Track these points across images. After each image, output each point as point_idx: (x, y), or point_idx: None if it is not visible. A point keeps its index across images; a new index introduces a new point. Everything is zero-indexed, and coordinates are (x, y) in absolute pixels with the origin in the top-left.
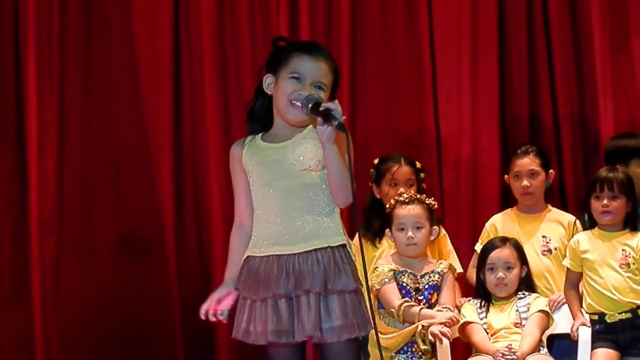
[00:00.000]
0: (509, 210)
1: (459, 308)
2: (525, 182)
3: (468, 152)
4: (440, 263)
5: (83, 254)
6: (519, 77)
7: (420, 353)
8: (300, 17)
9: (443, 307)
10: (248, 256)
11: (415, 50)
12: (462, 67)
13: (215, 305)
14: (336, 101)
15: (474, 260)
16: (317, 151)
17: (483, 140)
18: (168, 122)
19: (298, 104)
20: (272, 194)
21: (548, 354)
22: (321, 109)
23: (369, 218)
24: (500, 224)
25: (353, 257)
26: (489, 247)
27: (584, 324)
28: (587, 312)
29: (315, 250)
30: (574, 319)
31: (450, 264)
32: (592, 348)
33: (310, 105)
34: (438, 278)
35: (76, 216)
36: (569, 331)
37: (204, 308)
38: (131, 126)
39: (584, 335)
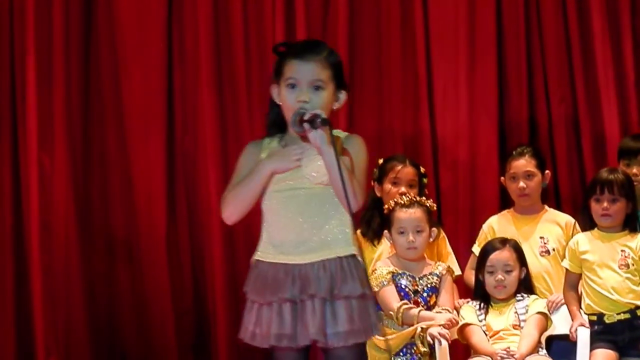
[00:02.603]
0: (505, 211)
1: (457, 310)
2: (521, 184)
3: (466, 153)
4: (439, 265)
5: (79, 256)
6: (517, 78)
7: (419, 355)
8: (296, 20)
9: (442, 309)
10: (257, 260)
11: (410, 51)
12: (459, 68)
13: None
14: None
15: (471, 262)
16: None
17: (481, 142)
18: (160, 124)
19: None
20: (283, 203)
21: (547, 355)
22: (306, 117)
23: (369, 217)
24: (497, 225)
25: (363, 266)
26: (488, 249)
27: (582, 325)
28: (585, 313)
29: (323, 260)
30: (572, 319)
31: (449, 266)
32: (591, 349)
33: (297, 120)
34: (436, 280)
35: (73, 219)
36: (567, 332)
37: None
38: (121, 128)
39: (583, 336)
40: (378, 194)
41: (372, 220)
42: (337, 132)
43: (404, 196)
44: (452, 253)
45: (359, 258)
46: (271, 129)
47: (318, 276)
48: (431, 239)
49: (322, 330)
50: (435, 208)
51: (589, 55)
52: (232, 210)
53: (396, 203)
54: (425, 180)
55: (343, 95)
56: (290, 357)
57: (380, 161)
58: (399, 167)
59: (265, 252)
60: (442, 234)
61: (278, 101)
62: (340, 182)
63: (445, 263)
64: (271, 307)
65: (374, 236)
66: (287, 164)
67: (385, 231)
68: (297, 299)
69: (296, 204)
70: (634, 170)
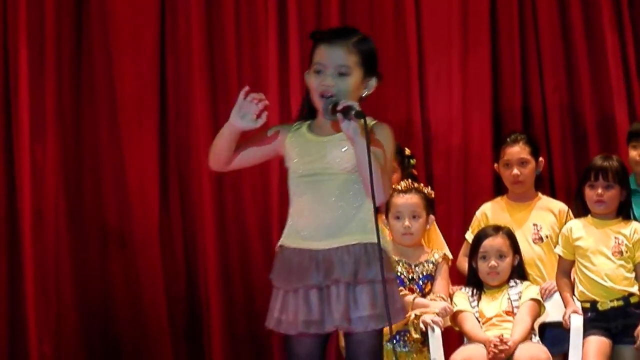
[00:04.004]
0: (499, 198)
1: (451, 297)
2: (515, 171)
3: (459, 140)
4: (435, 252)
5: (71, 244)
6: (511, 65)
7: (412, 342)
8: (288, 6)
9: (437, 296)
10: (282, 245)
11: (402, 39)
12: (452, 54)
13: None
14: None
15: (464, 249)
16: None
17: (474, 129)
18: (153, 112)
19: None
20: (307, 188)
21: (540, 342)
22: (339, 107)
23: None
24: (490, 212)
25: (389, 252)
26: (481, 236)
27: (575, 312)
28: (578, 300)
29: (347, 245)
30: (565, 306)
31: (445, 254)
32: (584, 336)
33: (330, 109)
34: (432, 268)
35: (64, 207)
36: (560, 319)
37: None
38: (114, 116)
39: (576, 323)
40: None
41: None
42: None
43: (402, 182)
44: (441, 236)
45: (382, 246)
46: (306, 114)
47: (342, 261)
48: (428, 226)
49: (346, 316)
50: (433, 196)
51: (593, 44)
52: (211, 162)
53: (394, 189)
54: (412, 161)
55: (373, 82)
56: (306, 343)
57: None
58: None
59: (289, 238)
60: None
61: (309, 86)
62: (369, 175)
63: (441, 250)
64: (297, 294)
65: None
66: (246, 123)
67: (383, 217)
68: (322, 284)
69: (320, 189)
70: None
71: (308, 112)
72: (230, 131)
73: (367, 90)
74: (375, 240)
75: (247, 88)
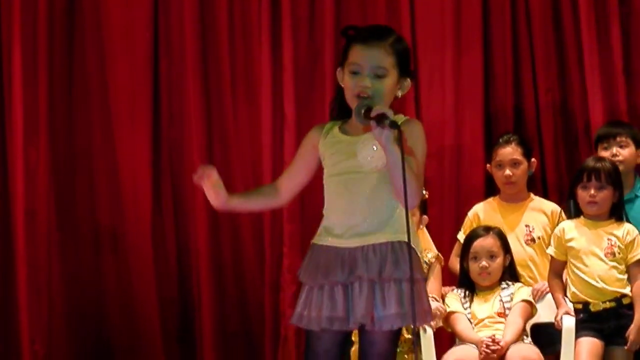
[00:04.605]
0: (491, 199)
1: (443, 297)
2: (507, 172)
3: (451, 140)
4: (428, 253)
5: (64, 245)
6: (503, 66)
7: (403, 342)
8: (282, 9)
9: (429, 297)
10: (313, 244)
11: None
12: (445, 55)
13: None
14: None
15: (456, 249)
16: None
17: (467, 129)
18: (146, 113)
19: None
20: (338, 186)
21: (532, 343)
22: (372, 114)
23: None
24: (482, 213)
25: (419, 253)
26: (472, 236)
27: (567, 313)
28: (571, 301)
29: (374, 244)
30: (557, 307)
31: (438, 254)
32: (576, 337)
33: (362, 112)
34: (425, 268)
35: (57, 209)
36: (552, 320)
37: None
38: (107, 118)
39: (568, 324)
40: None
41: None
42: (396, 117)
43: None
44: (429, 238)
45: (413, 245)
46: (338, 112)
47: (367, 258)
48: (421, 226)
49: (369, 313)
50: (427, 196)
51: (579, 45)
52: None
53: None
54: None
55: (407, 83)
56: (326, 339)
57: None
58: None
59: (320, 236)
60: None
61: (342, 84)
62: (400, 180)
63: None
64: (322, 290)
65: None
66: (223, 195)
67: None
68: (346, 281)
69: (351, 188)
70: (614, 151)
71: (339, 111)
72: (227, 208)
73: (401, 91)
74: (403, 239)
75: (195, 177)
